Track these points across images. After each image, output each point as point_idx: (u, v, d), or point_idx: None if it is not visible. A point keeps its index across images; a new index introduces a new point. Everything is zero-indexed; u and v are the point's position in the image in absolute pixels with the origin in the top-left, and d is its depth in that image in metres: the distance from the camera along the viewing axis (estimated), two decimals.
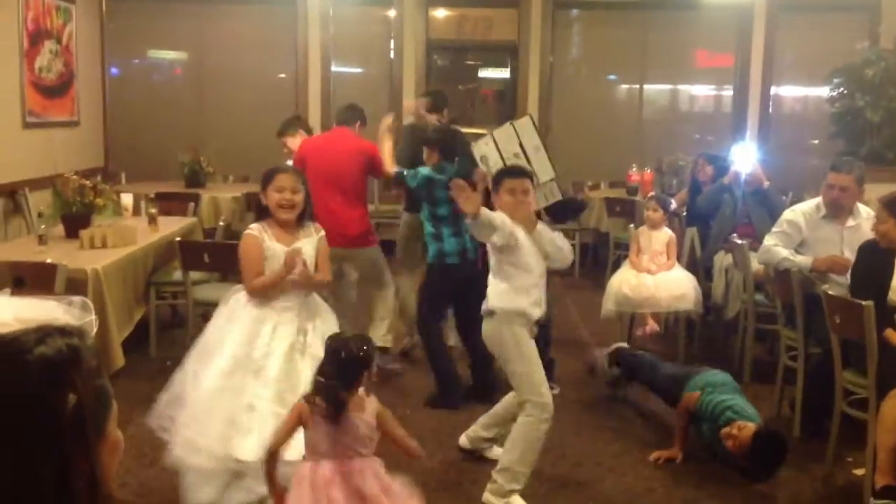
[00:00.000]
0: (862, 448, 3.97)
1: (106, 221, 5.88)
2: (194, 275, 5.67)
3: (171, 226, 6.31)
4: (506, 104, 10.02)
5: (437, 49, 10.09)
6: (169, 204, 7.12)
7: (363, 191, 5.73)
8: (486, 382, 5.08)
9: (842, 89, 8.71)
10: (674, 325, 6.11)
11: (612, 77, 10.34)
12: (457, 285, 5.07)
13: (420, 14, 9.68)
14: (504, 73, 10.25)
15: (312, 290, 3.84)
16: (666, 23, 9.86)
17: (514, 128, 5.07)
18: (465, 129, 6.18)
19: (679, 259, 6.12)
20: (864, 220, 4.96)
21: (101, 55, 9.62)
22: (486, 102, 10.69)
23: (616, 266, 6.50)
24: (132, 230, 5.74)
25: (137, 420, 3.71)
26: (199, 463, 3.44)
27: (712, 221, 6.37)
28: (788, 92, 10.09)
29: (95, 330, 3.74)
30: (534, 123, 5.24)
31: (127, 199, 6.67)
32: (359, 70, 10.23)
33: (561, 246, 3.93)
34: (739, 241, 5.64)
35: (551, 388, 5.29)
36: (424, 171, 5.14)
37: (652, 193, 6.58)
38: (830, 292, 4.22)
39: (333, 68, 9.82)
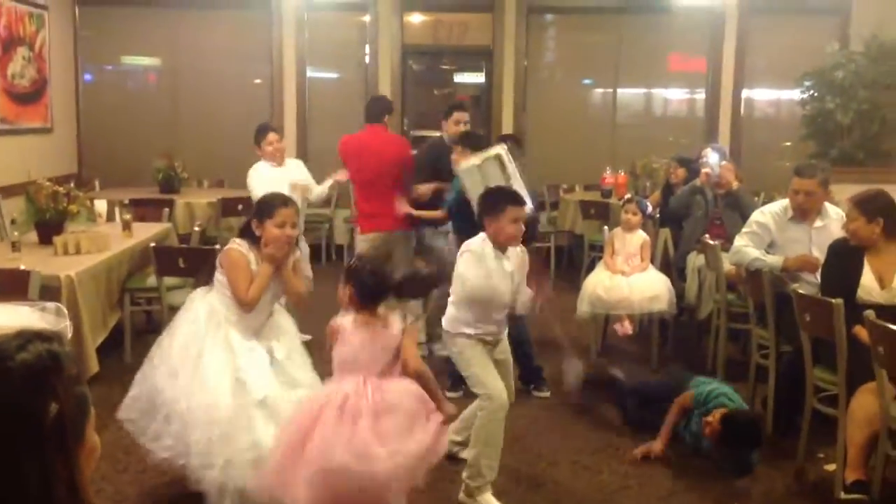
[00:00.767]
0: (833, 444, 4.03)
1: (80, 228, 5.87)
2: (169, 280, 5.66)
3: (146, 232, 6.29)
4: (481, 108, 10.05)
5: (412, 54, 10.11)
6: (143, 210, 7.10)
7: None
8: (531, 369, 5.40)
9: (812, 92, 8.82)
10: (647, 326, 6.16)
11: (586, 81, 10.41)
12: None
13: (395, 19, 9.70)
14: (479, 77, 10.29)
15: (295, 292, 3.86)
16: (639, 27, 9.94)
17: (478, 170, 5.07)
18: (440, 134, 6.20)
19: (652, 260, 6.17)
20: (833, 220, 5.03)
21: (75, 62, 9.58)
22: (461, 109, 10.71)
23: (591, 268, 6.54)
24: (106, 236, 5.72)
25: (112, 426, 3.70)
26: (216, 477, 3.39)
27: (685, 223, 6.43)
28: (760, 95, 10.18)
29: (70, 336, 3.72)
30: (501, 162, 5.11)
31: (101, 205, 6.64)
32: (334, 75, 10.23)
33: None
34: (712, 242, 5.69)
35: (542, 391, 5.35)
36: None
37: (628, 196, 6.61)
38: (801, 291, 4.28)
39: (308, 73, 9.81)
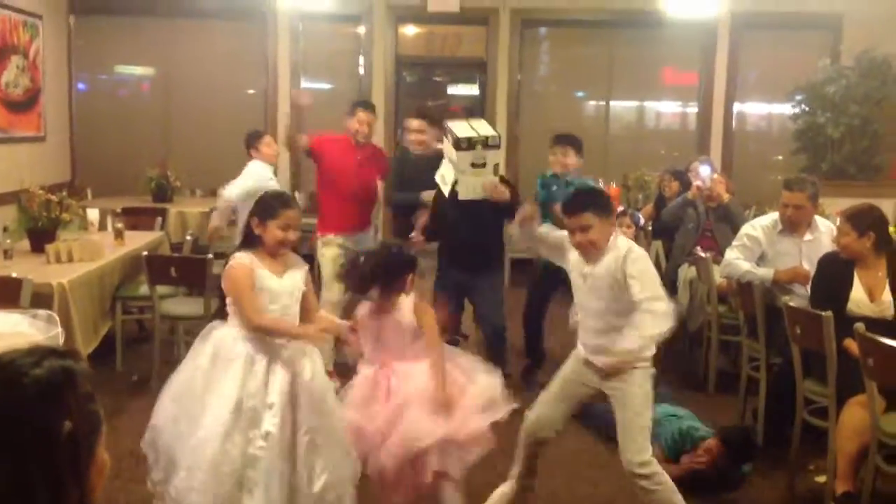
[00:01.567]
0: (823, 455, 4.04)
1: (72, 236, 5.86)
2: (161, 289, 5.65)
3: (138, 240, 6.28)
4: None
5: (406, 65, 10.15)
6: (136, 218, 7.10)
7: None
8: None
9: (803, 106, 8.88)
10: None
11: (579, 94, 10.45)
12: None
13: (389, 30, 9.73)
14: (473, 89, 10.33)
15: (329, 334, 3.71)
16: (632, 41, 9.98)
17: (468, 122, 5.07)
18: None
19: None
20: (823, 233, 5.07)
21: (68, 70, 9.57)
22: (454, 118, 10.75)
23: None
24: (98, 244, 5.71)
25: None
26: None
27: (676, 235, 6.45)
28: (752, 109, 10.23)
29: (62, 343, 3.70)
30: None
31: (93, 213, 6.64)
32: (328, 86, 10.25)
33: None
34: (703, 255, 5.71)
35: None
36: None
37: (622, 209, 6.64)
38: (791, 304, 4.30)
39: (303, 84, 9.83)
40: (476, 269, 5.07)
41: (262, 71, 9.71)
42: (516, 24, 9.74)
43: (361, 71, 9.84)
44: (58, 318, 3.63)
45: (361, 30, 9.80)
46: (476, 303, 5.32)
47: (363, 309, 3.44)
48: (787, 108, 9.17)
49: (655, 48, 9.96)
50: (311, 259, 5.23)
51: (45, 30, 8.85)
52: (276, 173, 6.90)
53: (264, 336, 3.28)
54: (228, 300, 3.36)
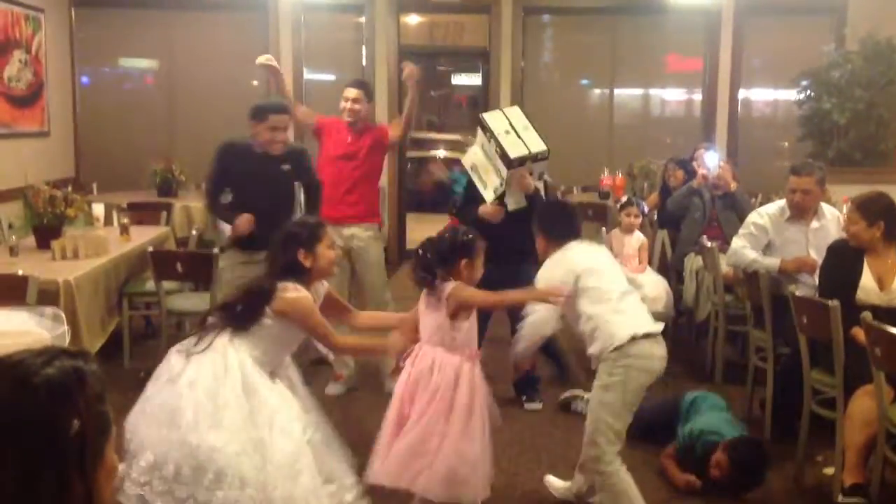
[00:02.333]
0: (831, 447, 4.02)
1: (77, 232, 5.85)
2: (167, 284, 5.65)
3: (144, 235, 6.28)
4: (478, 109, 10.06)
5: (409, 55, 10.06)
6: (141, 213, 7.10)
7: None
8: (527, 378, 5.33)
9: (809, 92, 8.83)
10: None
11: (583, 82, 10.40)
12: None
13: (392, 20, 9.70)
14: (476, 78, 10.32)
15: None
16: (635, 28, 9.94)
17: (502, 111, 5.09)
18: (436, 136, 6.19)
19: (650, 262, 6.18)
20: (829, 220, 5.05)
21: (71, 64, 9.55)
22: (458, 108, 10.74)
23: None
24: (104, 240, 5.71)
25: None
26: None
27: (682, 225, 6.43)
28: (757, 95, 10.18)
29: (68, 341, 3.69)
30: (522, 111, 5.19)
31: (98, 209, 6.64)
32: (331, 77, 10.22)
33: None
34: (709, 244, 5.70)
35: (534, 402, 5.27)
36: None
37: (627, 198, 6.61)
38: (798, 293, 4.28)
39: (306, 75, 9.81)
40: (515, 264, 4.89)
41: None
42: (518, 12, 9.70)
43: (364, 61, 9.81)
44: (64, 316, 3.64)
45: (363, 20, 9.77)
46: None
47: (422, 301, 3.44)
48: (792, 94, 9.12)
49: (659, 35, 9.91)
50: None
51: (48, 23, 8.83)
52: None
53: (277, 353, 3.32)
54: (268, 320, 3.24)
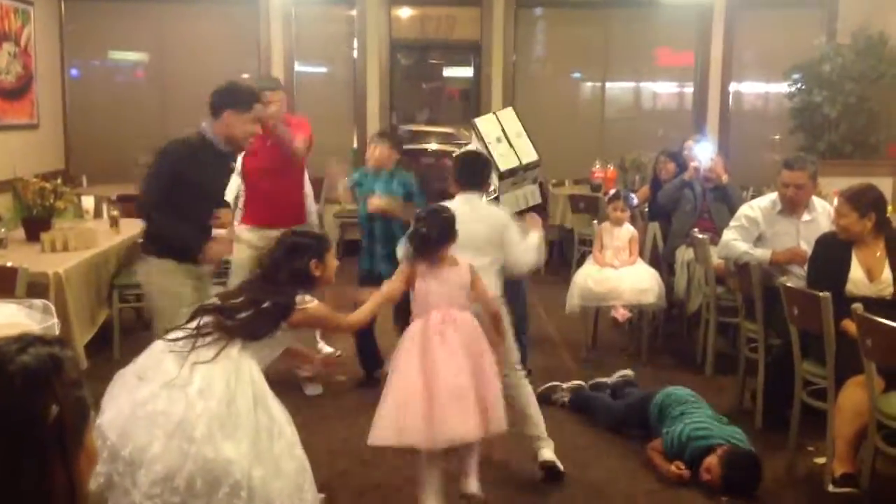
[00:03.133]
0: (822, 437, 4.03)
1: (67, 224, 5.83)
2: None
3: (133, 228, 6.24)
4: (470, 103, 10.05)
5: (400, 48, 10.09)
6: (131, 206, 7.02)
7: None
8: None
9: (800, 85, 8.85)
10: (638, 320, 6.17)
11: (575, 75, 10.41)
12: None
13: (383, 13, 9.68)
14: (468, 71, 10.27)
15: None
16: (627, 21, 9.95)
17: (496, 116, 5.09)
18: (429, 129, 6.17)
19: (641, 254, 6.18)
20: (820, 214, 5.06)
21: (61, 57, 9.52)
22: (450, 101, 10.71)
23: (581, 262, 6.55)
24: (94, 233, 5.69)
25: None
26: None
27: (674, 217, 6.44)
28: (748, 88, 10.22)
29: (58, 333, 3.65)
30: (516, 114, 5.22)
31: (88, 201, 6.61)
32: (322, 69, 10.20)
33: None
34: (700, 236, 5.70)
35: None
36: None
37: (614, 191, 6.62)
38: (789, 284, 4.29)
39: (297, 68, 9.78)
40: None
41: (255, 55, 9.66)
42: (510, 5, 9.70)
43: (355, 55, 9.79)
44: (53, 308, 3.62)
45: (354, 12, 9.74)
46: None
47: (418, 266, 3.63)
48: (783, 88, 9.15)
49: (651, 28, 9.93)
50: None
51: (37, 16, 8.79)
52: None
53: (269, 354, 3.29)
54: (282, 331, 3.22)
